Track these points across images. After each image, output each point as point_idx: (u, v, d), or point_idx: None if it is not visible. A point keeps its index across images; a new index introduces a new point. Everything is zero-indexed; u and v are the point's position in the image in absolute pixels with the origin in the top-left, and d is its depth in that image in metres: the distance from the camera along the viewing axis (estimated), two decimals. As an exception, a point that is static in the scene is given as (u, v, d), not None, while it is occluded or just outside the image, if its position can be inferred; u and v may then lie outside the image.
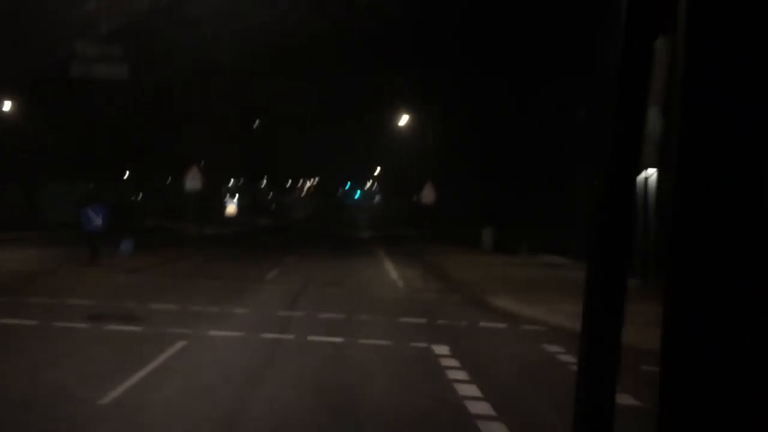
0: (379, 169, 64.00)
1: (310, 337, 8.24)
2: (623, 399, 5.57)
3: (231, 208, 50.61)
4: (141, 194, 49.06)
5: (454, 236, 31.33)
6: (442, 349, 7.88)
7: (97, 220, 14.14)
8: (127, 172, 48.55)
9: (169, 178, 61.49)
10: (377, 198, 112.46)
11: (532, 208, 25.33)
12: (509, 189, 28.72)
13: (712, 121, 0.77)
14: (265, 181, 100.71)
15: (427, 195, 24.25)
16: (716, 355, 0.75)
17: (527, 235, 24.86)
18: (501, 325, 9.98)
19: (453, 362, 7.20)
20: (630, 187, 0.92)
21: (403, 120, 26.63)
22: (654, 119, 1.24)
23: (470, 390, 6.12)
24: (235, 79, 60.32)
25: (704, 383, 0.76)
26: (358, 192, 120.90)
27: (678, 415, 0.78)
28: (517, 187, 28.06)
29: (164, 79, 37.09)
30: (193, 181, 21.26)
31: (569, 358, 7.36)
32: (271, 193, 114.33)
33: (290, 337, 8.31)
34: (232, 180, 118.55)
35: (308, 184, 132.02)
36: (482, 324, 10.04)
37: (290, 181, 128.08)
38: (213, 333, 8.18)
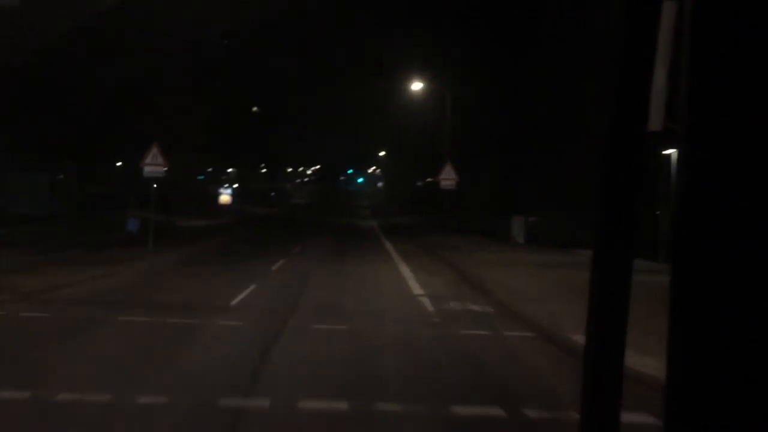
0: (383, 153, 58.62)
1: None
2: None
3: (224, 196, 45.88)
4: (124, 183, 44.20)
5: (473, 226, 26.48)
6: None
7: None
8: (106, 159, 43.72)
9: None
10: (380, 183, 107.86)
11: (563, 193, 20.58)
12: (536, 171, 23.82)
13: (721, 91, 0.72)
14: (263, 168, 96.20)
15: (447, 178, 19.30)
16: (725, 353, 0.70)
17: (561, 225, 20.07)
18: (653, 421, 4.97)
19: None
20: (636, 150, 0.87)
21: (415, 86, 21.38)
22: (660, 81, 0.91)
23: None
24: (227, 57, 55.28)
25: (713, 383, 0.70)
26: (361, 178, 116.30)
27: (686, 415, 0.73)
28: (545, 168, 23.21)
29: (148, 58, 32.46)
30: (153, 165, 16.30)
31: None
32: (270, 181, 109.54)
33: None
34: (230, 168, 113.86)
35: (310, 171, 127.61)
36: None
37: (290, 168, 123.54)
38: None
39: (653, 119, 0.85)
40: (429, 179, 54.06)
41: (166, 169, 16.25)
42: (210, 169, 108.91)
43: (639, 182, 0.87)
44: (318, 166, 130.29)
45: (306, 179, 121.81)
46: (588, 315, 0.88)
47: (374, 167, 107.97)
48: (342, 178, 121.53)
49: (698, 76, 0.73)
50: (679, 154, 0.74)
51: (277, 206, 64.90)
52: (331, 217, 44.45)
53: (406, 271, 14.89)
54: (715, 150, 0.71)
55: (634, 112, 0.86)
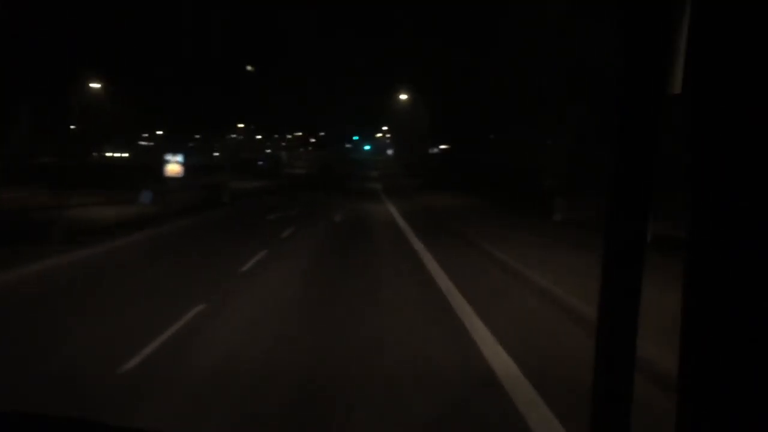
0: (404, 96, 42.54)
1: None
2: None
3: (173, 166, 30.92)
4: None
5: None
6: None
7: None
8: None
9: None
10: (390, 151, 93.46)
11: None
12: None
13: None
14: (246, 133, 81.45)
15: None
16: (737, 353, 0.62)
17: None
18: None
19: None
20: (653, 113, 0.74)
21: None
22: (682, 39, 0.70)
23: None
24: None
25: (727, 383, 0.63)
26: (368, 145, 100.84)
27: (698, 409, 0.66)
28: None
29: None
30: None
31: None
32: (268, 150, 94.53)
33: None
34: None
35: (312, 139, 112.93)
36: None
37: (289, 135, 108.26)
38: None
39: (674, 81, 0.69)
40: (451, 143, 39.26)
41: None
42: (198, 136, 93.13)
43: (654, 149, 0.74)
44: (322, 133, 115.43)
45: (310, 147, 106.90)
46: (600, 291, 0.77)
47: (385, 128, 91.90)
48: (348, 145, 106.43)
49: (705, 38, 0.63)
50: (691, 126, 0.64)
51: (267, 178, 49.86)
52: (333, 193, 29.71)
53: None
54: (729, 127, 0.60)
55: (651, 73, 0.72)
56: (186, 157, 34.85)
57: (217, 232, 13.94)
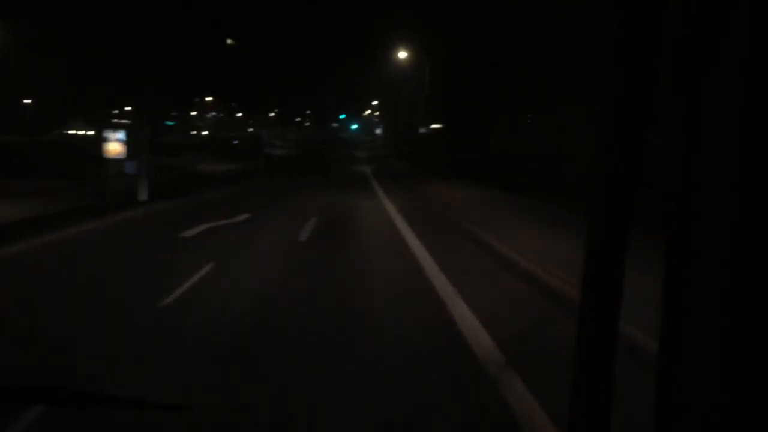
0: (403, 54, 34.89)
1: None
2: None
3: (113, 145, 23.75)
4: None
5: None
6: None
7: None
8: None
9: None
10: (378, 130, 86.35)
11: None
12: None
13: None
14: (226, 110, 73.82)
15: None
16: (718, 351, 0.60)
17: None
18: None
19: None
20: (644, 80, 0.67)
21: None
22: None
23: None
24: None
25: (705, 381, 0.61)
26: (355, 124, 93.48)
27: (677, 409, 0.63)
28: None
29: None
30: None
31: None
32: (251, 128, 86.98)
33: None
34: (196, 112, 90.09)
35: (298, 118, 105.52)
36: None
37: (272, 113, 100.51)
38: None
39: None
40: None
41: None
42: (175, 114, 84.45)
43: (646, 118, 0.68)
44: (308, 111, 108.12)
45: (295, 126, 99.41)
46: (584, 271, 0.73)
47: (375, 103, 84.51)
48: (334, 124, 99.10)
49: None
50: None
51: (242, 160, 42.56)
52: (308, 181, 22.87)
53: None
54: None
55: (644, 37, 0.67)
56: (163, 135, 27.89)
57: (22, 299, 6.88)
